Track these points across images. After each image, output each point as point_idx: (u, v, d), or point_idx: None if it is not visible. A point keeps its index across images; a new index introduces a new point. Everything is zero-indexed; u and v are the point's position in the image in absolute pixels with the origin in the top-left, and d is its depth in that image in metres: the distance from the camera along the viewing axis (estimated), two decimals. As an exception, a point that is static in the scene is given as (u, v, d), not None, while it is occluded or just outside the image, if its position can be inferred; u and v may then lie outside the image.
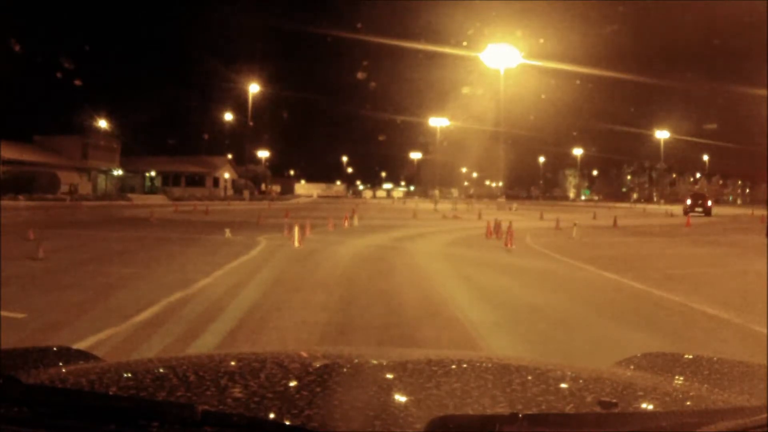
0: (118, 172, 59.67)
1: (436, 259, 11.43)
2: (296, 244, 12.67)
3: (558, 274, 9.61)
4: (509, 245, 13.37)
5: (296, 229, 13.03)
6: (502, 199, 49.53)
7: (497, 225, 16.66)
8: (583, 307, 6.88)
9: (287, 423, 1.02)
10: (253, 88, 63.58)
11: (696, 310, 6.59)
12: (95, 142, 54.33)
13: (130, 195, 50.33)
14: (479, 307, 6.64)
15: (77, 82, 44.37)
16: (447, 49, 48.54)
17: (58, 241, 13.48)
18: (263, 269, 9.31)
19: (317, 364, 1.56)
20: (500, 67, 45.27)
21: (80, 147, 53.34)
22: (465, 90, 59.51)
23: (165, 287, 7.29)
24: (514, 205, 47.20)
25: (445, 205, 45.56)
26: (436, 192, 49.62)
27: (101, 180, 57.44)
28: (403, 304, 6.79)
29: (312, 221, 18.32)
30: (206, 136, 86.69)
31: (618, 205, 67.28)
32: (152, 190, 61.13)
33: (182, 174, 64.40)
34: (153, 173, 64.76)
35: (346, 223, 20.80)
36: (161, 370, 1.48)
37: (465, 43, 46.67)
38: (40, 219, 22.22)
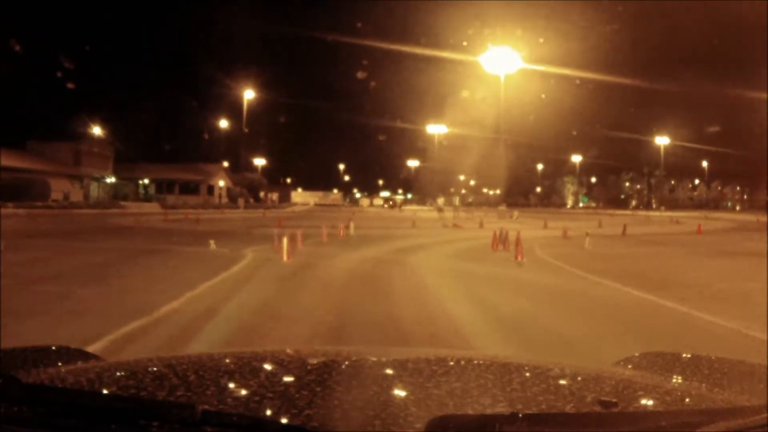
0: (111, 179, 58.56)
1: (441, 275, 10.20)
2: (285, 258, 11.47)
3: (582, 294, 8.41)
4: (520, 258, 12.21)
5: (285, 242, 11.81)
6: (503, 207, 48.31)
7: (503, 235, 15.47)
8: (623, 337, 5.73)
9: (287, 423, 1.02)
10: (249, 95, 62.67)
11: (758, 340, 5.47)
12: (88, 149, 53.53)
13: (123, 203, 49.28)
14: (501, 341, 5.50)
15: (70, 86, 43.28)
16: (446, 54, 47.63)
17: (30, 252, 12.48)
18: (243, 290, 8.11)
19: (317, 364, 1.58)
20: (500, 73, 44.26)
21: (73, 154, 52.42)
22: (464, 94, 58.70)
23: (122, 314, 6.10)
24: (515, 213, 45.70)
25: (446, 213, 44.50)
26: (439, 200, 48.52)
27: (94, 187, 56.29)
28: (407, 336, 5.62)
29: (305, 230, 17.12)
30: (201, 144, 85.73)
31: (618, 212, 66.26)
32: (146, 198, 60.05)
33: (176, 181, 63.50)
34: (147, 181, 63.63)
35: (342, 233, 19.72)
36: (161, 370, 1.46)
37: (465, 43, 45.87)
38: (22, 228, 21.17)
